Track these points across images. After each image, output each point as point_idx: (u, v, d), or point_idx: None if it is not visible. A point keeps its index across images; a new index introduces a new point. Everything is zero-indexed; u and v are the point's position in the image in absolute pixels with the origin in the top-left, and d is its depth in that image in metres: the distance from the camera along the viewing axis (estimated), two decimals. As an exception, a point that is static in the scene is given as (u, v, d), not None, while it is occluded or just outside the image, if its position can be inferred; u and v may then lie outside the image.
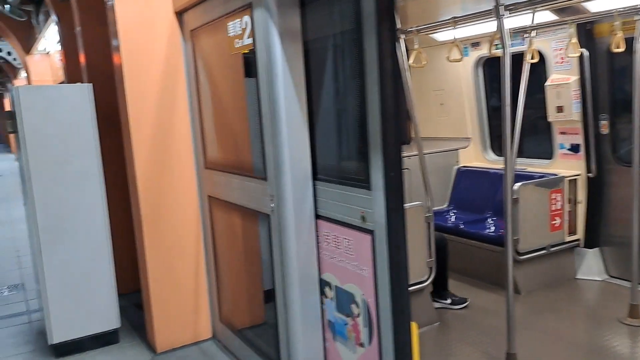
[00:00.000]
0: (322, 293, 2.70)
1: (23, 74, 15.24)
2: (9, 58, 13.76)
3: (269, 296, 2.99)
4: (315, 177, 2.65)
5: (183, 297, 3.68)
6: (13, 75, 18.79)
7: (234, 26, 2.85)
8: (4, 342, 3.99)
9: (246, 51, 2.78)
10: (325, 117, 2.58)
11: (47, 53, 12.23)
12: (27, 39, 11.51)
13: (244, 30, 2.74)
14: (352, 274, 2.43)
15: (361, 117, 2.24)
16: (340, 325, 2.59)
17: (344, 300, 2.53)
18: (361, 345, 2.44)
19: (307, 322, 2.70)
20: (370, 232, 2.25)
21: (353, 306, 2.46)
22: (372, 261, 2.27)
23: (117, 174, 4.14)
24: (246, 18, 2.72)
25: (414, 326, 2.23)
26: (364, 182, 2.25)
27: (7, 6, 8.43)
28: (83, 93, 3.59)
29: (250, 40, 2.69)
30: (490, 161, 5.09)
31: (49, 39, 10.24)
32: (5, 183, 13.51)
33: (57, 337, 3.58)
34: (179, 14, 3.54)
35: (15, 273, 5.81)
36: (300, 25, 2.53)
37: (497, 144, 5.12)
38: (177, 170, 3.60)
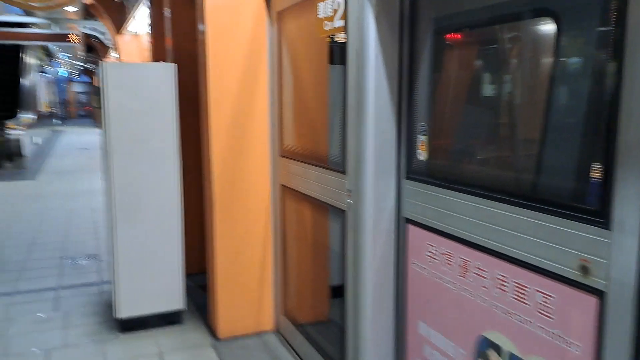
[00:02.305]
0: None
1: (113, 53, 16.00)
2: (102, 37, 14.46)
3: (335, 293, 2.83)
4: (427, 178, 2.20)
5: (248, 285, 3.61)
6: (104, 54, 19.85)
7: (325, 7, 2.68)
8: (75, 310, 4.10)
9: (336, 34, 2.61)
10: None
11: (136, 34, 12.71)
12: (119, 20, 12.01)
13: (335, 11, 2.56)
14: (539, 342, 1.68)
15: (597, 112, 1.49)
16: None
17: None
18: None
19: (379, 329, 2.51)
20: (597, 292, 1.49)
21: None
22: (596, 337, 1.50)
23: (193, 155, 4.14)
24: (339, -1, 2.55)
25: None
26: (589, 214, 1.50)
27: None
28: (167, 72, 3.57)
29: (341, 23, 2.51)
30: None
31: (139, 20, 10.61)
32: (90, 156, 14.27)
33: (123, 311, 3.62)
34: (267, -5, 3.43)
35: (92, 243, 6.04)
36: (400, 8, 2.31)
37: None
38: (252, 156, 3.52)
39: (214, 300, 3.60)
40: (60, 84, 32.74)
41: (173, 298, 3.72)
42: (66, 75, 33.89)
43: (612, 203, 1.42)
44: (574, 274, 1.55)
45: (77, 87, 37.26)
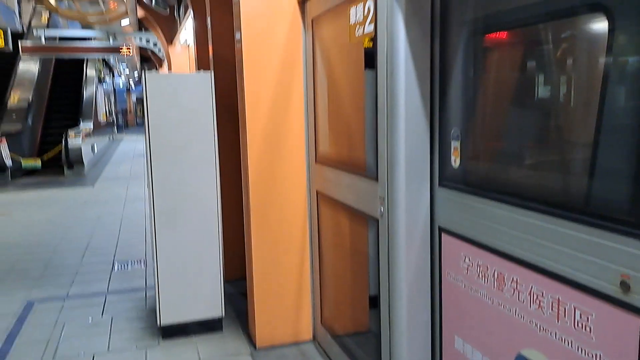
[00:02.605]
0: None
1: (166, 64, 16.54)
2: (155, 49, 15.00)
3: (375, 303, 2.76)
4: (463, 185, 2.07)
5: (286, 293, 3.59)
6: (159, 65, 20.59)
7: (356, 12, 2.63)
8: (120, 315, 4.22)
9: (367, 39, 2.55)
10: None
11: (187, 45, 13.08)
12: (170, 31, 12.40)
13: (366, 16, 2.50)
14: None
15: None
16: None
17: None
18: None
19: (414, 341, 2.42)
20: (639, 311, 1.37)
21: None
22: None
23: (232, 162, 4.18)
24: (370, 2, 2.48)
25: None
26: (629, 225, 1.37)
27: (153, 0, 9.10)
28: (204, 81, 3.62)
29: (372, 27, 2.45)
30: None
31: (189, 30, 10.90)
32: (143, 162, 14.79)
33: (165, 318, 3.68)
34: (302, 3, 3.42)
35: (140, 248, 6.23)
36: (431, 10, 2.22)
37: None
38: (288, 163, 3.50)
39: (252, 308, 3.60)
40: (119, 93, 34.24)
41: (213, 305, 3.76)
42: (125, 86, 35.44)
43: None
44: (614, 291, 1.42)
45: (135, 97, 38.89)
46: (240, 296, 4.44)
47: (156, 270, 3.62)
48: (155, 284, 3.65)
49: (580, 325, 1.54)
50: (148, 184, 3.68)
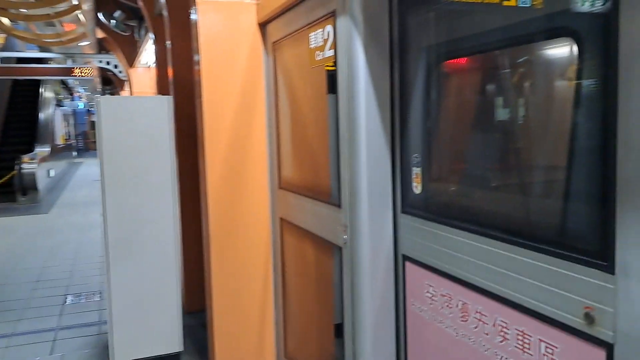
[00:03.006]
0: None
1: (128, 86, 16.24)
2: (115, 70, 14.70)
3: (340, 332, 2.67)
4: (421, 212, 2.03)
5: (249, 326, 3.45)
6: (120, 86, 20.21)
7: (316, 37, 2.59)
8: (71, 354, 3.98)
9: (327, 64, 2.51)
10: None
11: (148, 66, 12.88)
12: (131, 53, 12.19)
13: (325, 41, 2.47)
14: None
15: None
16: None
17: None
18: None
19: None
20: (604, 344, 1.32)
21: None
22: None
23: (192, 189, 4.04)
24: (329, 28, 2.45)
25: None
26: (590, 256, 1.34)
27: (112, 21, 8.93)
28: (162, 105, 3.51)
29: (331, 52, 2.41)
30: None
31: (150, 52, 10.74)
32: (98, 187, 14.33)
33: (119, 356, 3.48)
34: (263, 26, 3.37)
35: (96, 279, 5.95)
36: (390, 36, 2.20)
37: None
38: (250, 189, 3.40)
39: (212, 342, 3.44)
40: (79, 116, 33.41)
41: (171, 340, 3.58)
42: (85, 108, 34.63)
43: (614, 243, 1.26)
44: (578, 323, 1.38)
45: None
46: (201, 328, 4.26)
47: (109, 304, 3.43)
48: (108, 319, 3.45)
49: (545, 358, 1.49)
50: (102, 212, 3.51)
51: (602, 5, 1.28)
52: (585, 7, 1.33)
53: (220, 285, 3.36)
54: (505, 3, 1.63)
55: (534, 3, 1.53)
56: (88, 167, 21.60)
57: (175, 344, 3.58)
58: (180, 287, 3.59)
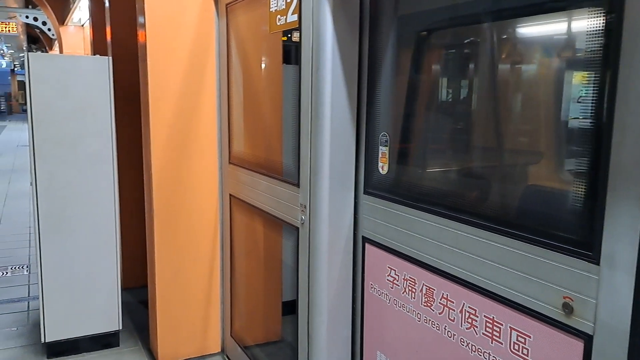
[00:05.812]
0: None
1: (57, 46, 15.14)
2: (44, 28, 13.63)
3: (288, 309, 2.58)
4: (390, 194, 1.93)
5: (193, 303, 3.30)
6: (49, 46, 18.81)
7: None
8: (-3, 331, 3.67)
9: (289, 30, 2.35)
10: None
11: (82, 25, 12.02)
12: (62, 10, 11.31)
13: (289, 4, 2.30)
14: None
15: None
16: None
17: None
18: None
19: (333, 355, 2.27)
20: (583, 336, 1.28)
21: None
22: None
23: (133, 159, 3.78)
24: (292, -10, 2.28)
25: None
26: (573, 245, 1.30)
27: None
28: (101, 66, 3.21)
29: (295, 17, 2.25)
30: None
31: (84, 10, 9.98)
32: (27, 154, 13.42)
33: (51, 334, 3.23)
34: (215, -14, 3.13)
35: (24, 252, 5.54)
36: (360, 3, 2.07)
37: None
38: (198, 163, 3.21)
39: (154, 320, 3.27)
40: (2, 76, 31.04)
41: (108, 318, 3.36)
42: (7, 68, 32.12)
43: (601, 233, 1.22)
44: (555, 313, 1.35)
45: (21, 80, 35.41)
46: (140, 306, 4.06)
47: (40, 279, 3.16)
48: (39, 295, 3.19)
49: (516, 347, 1.46)
50: (31, 182, 3.20)
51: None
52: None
53: (164, 261, 3.17)
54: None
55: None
56: (11, 132, 20.16)
57: (113, 322, 3.38)
58: (119, 262, 3.36)
